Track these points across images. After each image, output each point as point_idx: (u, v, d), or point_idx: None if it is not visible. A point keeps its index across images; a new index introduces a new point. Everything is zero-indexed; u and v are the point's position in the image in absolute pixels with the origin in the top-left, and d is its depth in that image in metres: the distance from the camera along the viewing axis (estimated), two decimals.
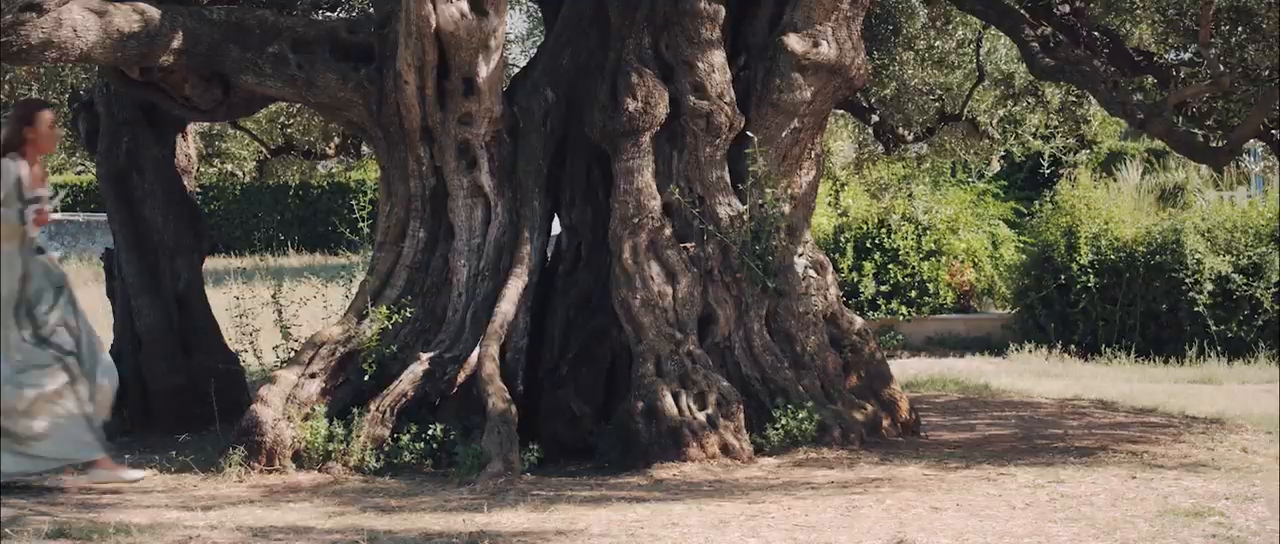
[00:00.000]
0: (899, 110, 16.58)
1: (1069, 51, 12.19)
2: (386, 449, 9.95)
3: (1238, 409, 13.55)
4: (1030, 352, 20.08)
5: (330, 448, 9.85)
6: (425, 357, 10.35)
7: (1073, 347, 20.28)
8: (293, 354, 10.62)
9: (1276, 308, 19.74)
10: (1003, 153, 19.08)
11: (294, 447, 9.81)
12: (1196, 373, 17.98)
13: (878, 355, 11.48)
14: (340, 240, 32.56)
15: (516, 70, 12.65)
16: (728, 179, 10.84)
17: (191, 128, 13.51)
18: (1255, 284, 19.68)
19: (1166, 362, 19.29)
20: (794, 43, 10.70)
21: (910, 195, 23.11)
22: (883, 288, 22.48)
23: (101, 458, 9.55)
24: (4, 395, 9.22)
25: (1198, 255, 19.83)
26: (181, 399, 12.45)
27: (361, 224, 11.95)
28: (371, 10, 11.77)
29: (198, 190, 14.25)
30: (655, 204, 10.59)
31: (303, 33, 10.84)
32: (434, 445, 9.98)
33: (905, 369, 17.46)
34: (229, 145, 17.86)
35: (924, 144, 18.00)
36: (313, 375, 10.19)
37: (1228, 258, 19.87)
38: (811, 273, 11.11)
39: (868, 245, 22.75)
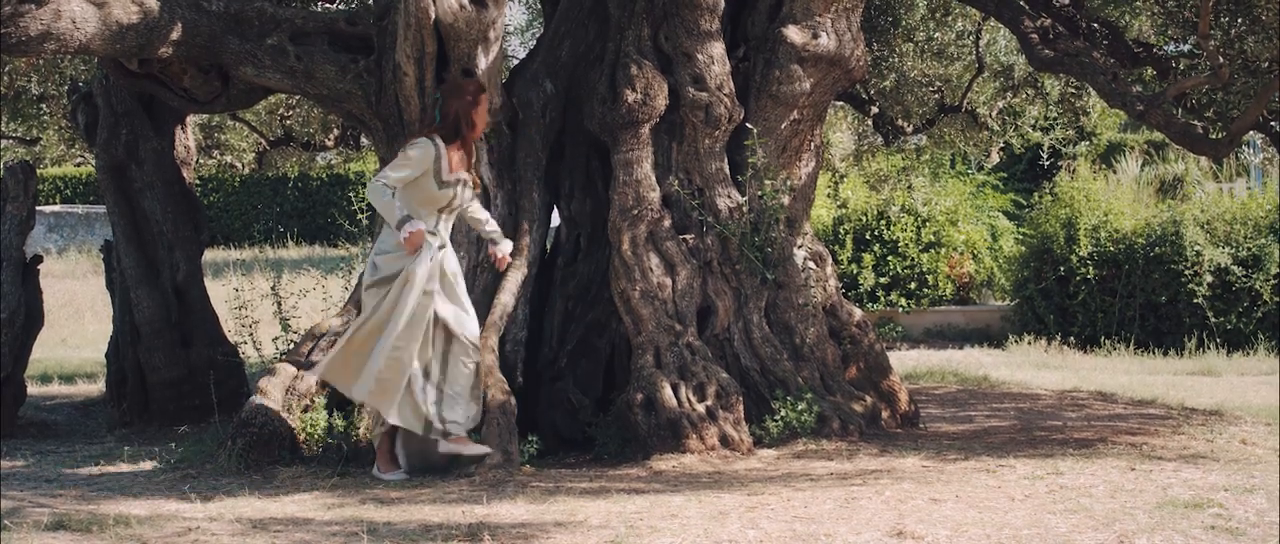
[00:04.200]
0: (898, 102, 16.59)
1: (1068, 43, 12.19)
2: None
3: (1237, 401, 13.57)
4: (1029, 343, 20.09)
5: (330, 439, 9.85)
6: None
7: (1072, 338, 20.29)
8: (292, 346, 10.62)
9: (1276, 300, 19.75)
10: (1002, 144, 19.08)
11: (294, 438, 9.81)
12: (1196, 365, 17.99)
13: (877, 347, 11.48)
14: (339, 232, 32.60)
15: (516, 62, 12.63)
16: (727, 171, 10.84)
17: (190, 119, 13.51)
18: (1254, 276, 19.69)
19: (1166, 353, 19.31)
20: (793, 34, 10.69)
21: (909, 187, 23.13)
22: (882, 279, 22.49)
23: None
24: None
25: (1197, 247, 19.84)
26: (181, 390, 12.47)
27: (360, 215, 11.95)
28: (370, 2, 11.76)
29: (197, 182, 14.25)
30: (655, 196, 10.59)
31: (302, 24, 10.83)
32: None
33: (904, 361, 17.48)
34: (228, 137, 17.87)
35: (923, 136, 18.01)
36: (312, 367, 10.20)
37: (1227, 250, 19.88)
38: (811, 264, 11.11)
39: (867, 237, 22.76)
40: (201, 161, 17.57)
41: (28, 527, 7.55)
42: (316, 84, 10.75)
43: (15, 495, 8.66)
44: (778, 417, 10.21)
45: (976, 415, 12.45)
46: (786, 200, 10.89)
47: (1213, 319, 19.72)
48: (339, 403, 10.13)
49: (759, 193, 10.71)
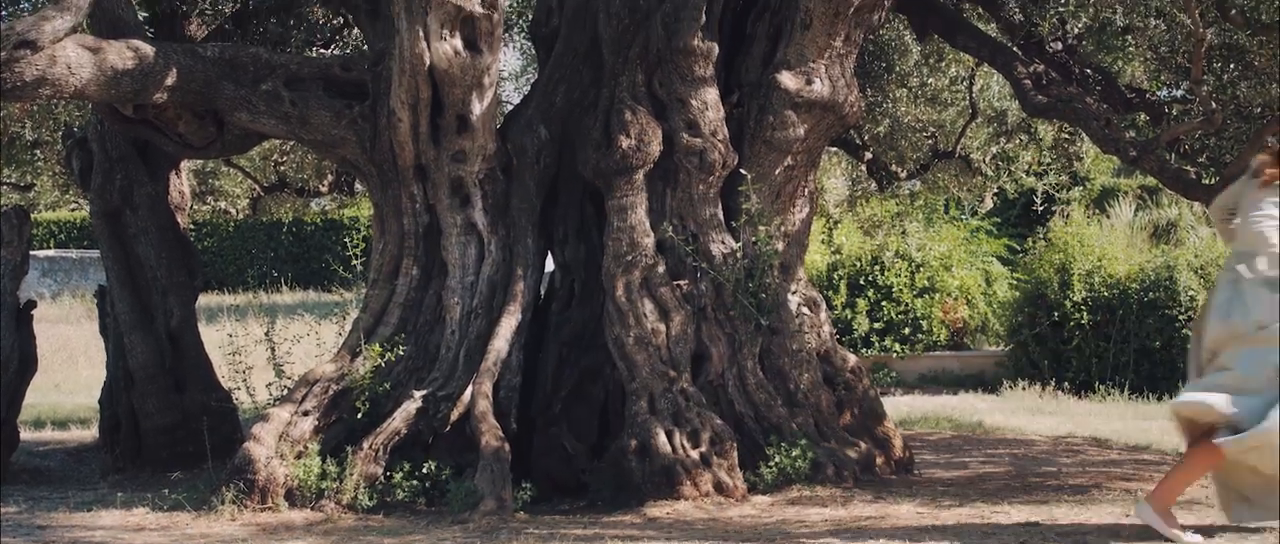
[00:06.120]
0: (892, 147, 16.62)
1: (1061, 89, 12.21)
2: (380, 487, 9.93)
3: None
4: (1023, 389, 20.06)
5: (323, 486, 9.83)
6: (418, 394, 10.34)
7: (1066, 384, 20.26)
8: (286, 392, 10.61)
9: None
10: (996, 190, 19.10)
11: (287, 485, 9.78)
12: None
13: (871, 393, 11.47)
14: (334, 277, 32.57)
15: (510, 107, 12.66)
16: (721, 216, 10.85)
17: (185, 164, 13.52)
18: None
19: (1160, 398, 19.24)
20: (787, 80, 10.71)
21: (903, 232, 23.13)
22: (876, 325, 22.47)
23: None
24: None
25: (1191, 292, 19.84)
26: (174, 436, 12.44)
27: (355, 261, 11.95)
28: (365, 47, 11.77)
29: (191, 227, 14.24)
30: (648, 242, 10.59)
31: (296, 70, 10.85)
32: (427, 483, 9.97)
33: (898, 406, 17.45)
34: (222, 183, 17.87)
35: (917, 181, 18.03)
36: (306, 413, 10.18)
37: None
38: (805, 310, 11.11)
39: (861, 282, 22.74)
40: (196, 207, 17.56)
41: None
42: (311, 130, 10.77)
43: (8, 542, 8.62)
44: (772, 463, 10.19)
45: (971, 461, 12.42)
46: (780, 246, 10.89)
47: None
48: (332, 449, 10.12)
49: (753, 239, 10.72)
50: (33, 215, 15.13)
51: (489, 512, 9.42)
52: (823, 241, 23.55)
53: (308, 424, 10.14)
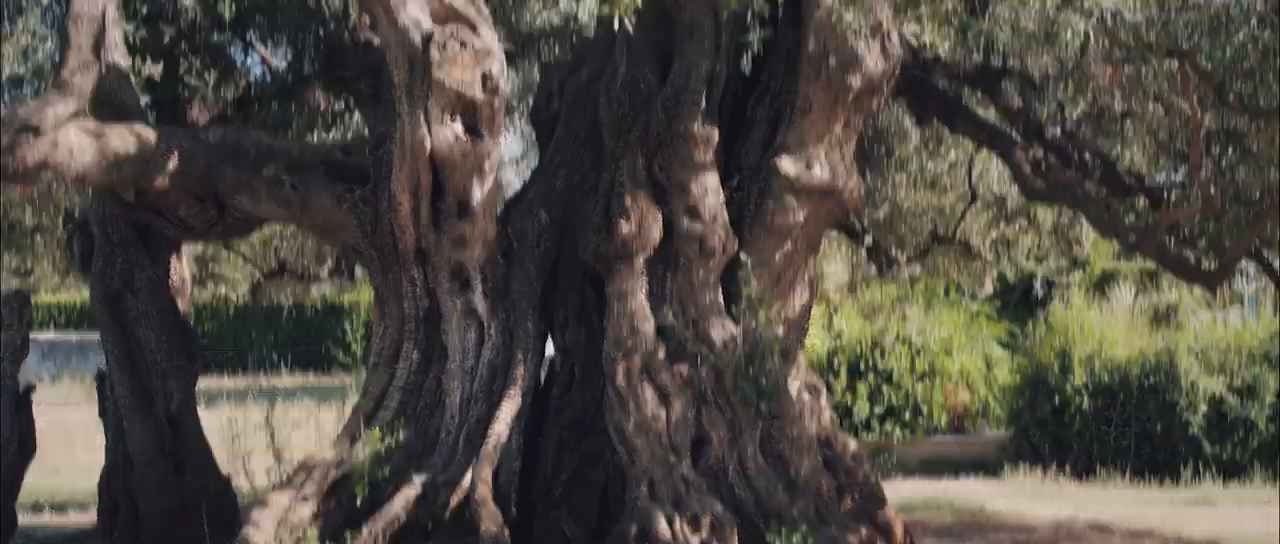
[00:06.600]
0: (892, 232, 16.64)
1: (1061, 174, 12.23)
2: None
3: (1233, 531, 13.51)
4: (1025, 473, 20.01)
5: None
6: (418, 480, 10.30)
7: (1068, 468, 20.20)
8: (285, 477, 10.57)
9: (1271, 428, 19.69)
10: (996, 274, 19.11)
11: None
12: (1192, 495, 17.91)
13: (872, 478, 11.43)
14: (334, 361, 32.54)
15: (511, 192, 12.68)
16: (721, 302, 10.85)
17: (185, 249, 13.53)
18: (1249, 405, 19.65)
19: (1161, 483, 19.23)
20: (787, 165, 10.73)
21: (904, 317, 23.10)
22: (877, 409, 22.41)
23: None
24: None
25: (1192, 376, 19.82)
26: (173, 521, 12.40)
27: (355, 345, 11.93)
28: (366, 132, 11.81)
29: (190, 310, 14.24)
30: (648, 327, 10.59)
31: (298, 155, 10.88)
32: None
33: (899, 491, 17.38)
34: (222, 267, 17.89)
35: (917, 265, 18.03)
36: (305, 499, 10.13)
37: (1222, 379, 19.85)
38: (805, 395, 11.09)
39: (861, 367, 22.70)
40: (196, 292, 17.56)
41: None
42: (312, 214, 10.78)
43: None
44: None
45: None
46: (780, 331, 10.88)
47: (1208, 449, 19.63)
48: (332, 535, 10.07)
49: (753, 324, 10.71)
50: (33, 298, 15.13)
51: None
52: (823, 326, 23.52)
53: (307, 510, 10.10)
